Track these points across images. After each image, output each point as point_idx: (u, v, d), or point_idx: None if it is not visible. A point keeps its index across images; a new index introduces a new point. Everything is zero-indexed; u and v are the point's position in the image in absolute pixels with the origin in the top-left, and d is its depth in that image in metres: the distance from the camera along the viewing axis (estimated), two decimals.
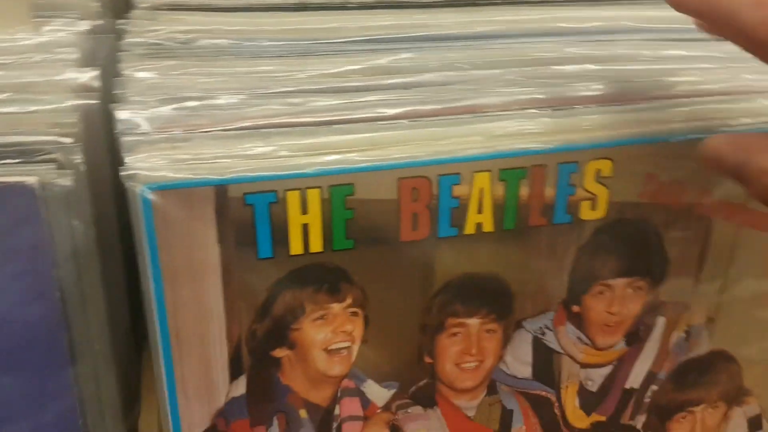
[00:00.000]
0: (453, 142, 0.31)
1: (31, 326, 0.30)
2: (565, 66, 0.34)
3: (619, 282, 0.35)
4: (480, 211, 0.32)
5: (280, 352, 0.33)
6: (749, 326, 0.39)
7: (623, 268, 0.35)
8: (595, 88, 0.33)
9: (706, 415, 0.40)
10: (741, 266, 0.37)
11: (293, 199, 0.30)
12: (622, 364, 0.38)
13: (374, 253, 0.32)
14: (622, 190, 0.33)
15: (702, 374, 0.39)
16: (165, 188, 0.28)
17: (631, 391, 0.38)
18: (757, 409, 0.41)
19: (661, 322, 0.37)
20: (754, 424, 0.42)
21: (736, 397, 0.40)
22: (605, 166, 0.32)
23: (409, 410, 0.36)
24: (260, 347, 0.32)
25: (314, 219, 0.30)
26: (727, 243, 0.36)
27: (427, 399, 0.36)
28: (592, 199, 0.33)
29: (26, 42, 0.33)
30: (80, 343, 0.31)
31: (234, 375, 0.33)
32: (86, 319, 0.31)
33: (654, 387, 0.39)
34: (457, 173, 0.31)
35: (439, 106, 0.32)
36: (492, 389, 0.36)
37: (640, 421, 0.39)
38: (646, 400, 0.39)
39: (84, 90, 0.32)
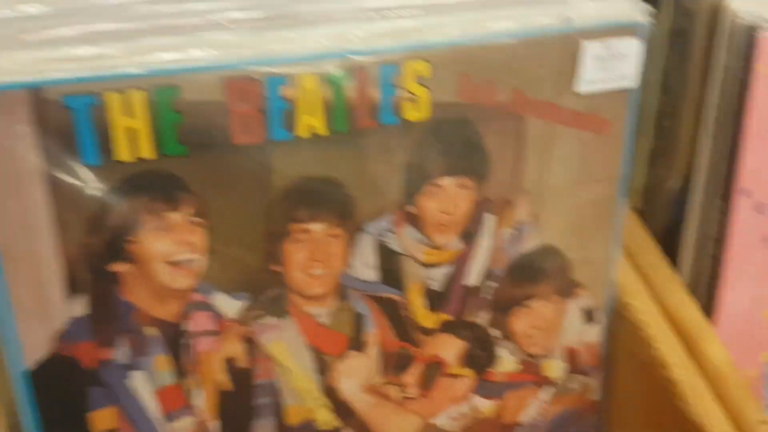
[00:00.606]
0: (277, 44, 0.32)
1: None
2: None
3: (447, 181, 0.38)
4: (311, 114, 0.33)
5: (119, 267, 0.33)
6: (572, 223, 0.43)
7: (449, 168, 0.38)
8: None
9: (543, 308, 0.44)
10: (558, 163, 0.41)
11: (114, 101, 0.30)
12: (461, 263, 0.40)
13: (209, 159, 0.32)
14: (440, 90, 0.36)
15: (534, 269, 0.43)
16: None
17: (472, 288, 0.41)
18: (589, 301, 0.46)
19: (490, 219, 0.40)
20: (589, 315, 0.46)
21: (567, 289, 0.44)
22: (423, 68, 0.35)
23: (262, 321, 0.37)
24: (97, 262, 0.32)
25: (141, 123, 0.30)
26: (542, 140, 0.40)
27: (279, 309, 0.37)
28: (414, 99, 0.35)
29: None
30: None
31: (73, 292, 0.32)
32: None
33: (492, 283, 0.42)
34: (283, 75, 0.32)
35: (262, 14, 0.33)
36: (342, 295, 0.38)
37: (484, 317, 0.42)
38: (487, 296, 0.42)
39: None
